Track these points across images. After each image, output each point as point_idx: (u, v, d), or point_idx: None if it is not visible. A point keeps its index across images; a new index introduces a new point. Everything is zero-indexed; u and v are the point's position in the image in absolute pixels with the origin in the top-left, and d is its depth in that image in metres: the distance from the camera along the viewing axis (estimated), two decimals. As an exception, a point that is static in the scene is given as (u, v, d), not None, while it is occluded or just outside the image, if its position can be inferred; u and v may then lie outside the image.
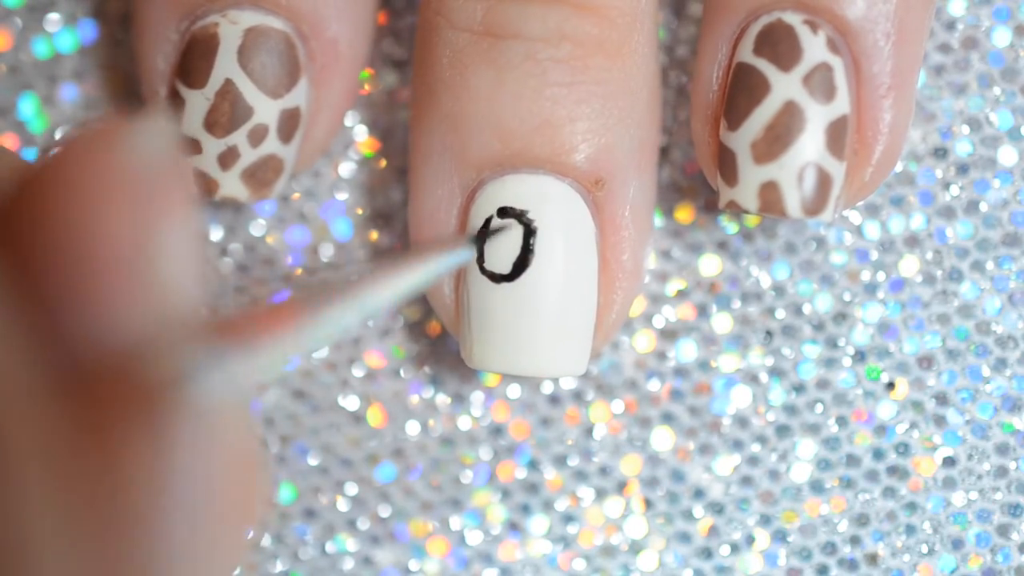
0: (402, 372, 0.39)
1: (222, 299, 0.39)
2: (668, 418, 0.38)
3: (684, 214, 0.38)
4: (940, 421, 0.38)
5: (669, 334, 0.38)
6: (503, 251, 0.35)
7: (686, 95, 0.38)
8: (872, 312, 0.38)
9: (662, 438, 0.38)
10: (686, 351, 0.38)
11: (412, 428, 0.39)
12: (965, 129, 0.38)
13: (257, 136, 0.35)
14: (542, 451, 0.39)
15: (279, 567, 0.39)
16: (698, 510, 0.38)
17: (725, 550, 0.38)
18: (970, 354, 0.38)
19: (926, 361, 0.38)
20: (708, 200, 0.38)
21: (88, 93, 0.39)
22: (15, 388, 0.22)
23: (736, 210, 0.34)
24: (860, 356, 0.38)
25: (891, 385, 0.38)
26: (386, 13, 0.39)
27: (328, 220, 0.39)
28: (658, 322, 0.38)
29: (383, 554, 0.39)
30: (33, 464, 0.21)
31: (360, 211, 0.39)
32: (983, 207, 0.38)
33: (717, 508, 0.38)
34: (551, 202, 0.35)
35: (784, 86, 0.34)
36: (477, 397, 0.39)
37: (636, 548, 0.38)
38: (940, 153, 0.38)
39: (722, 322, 0.38)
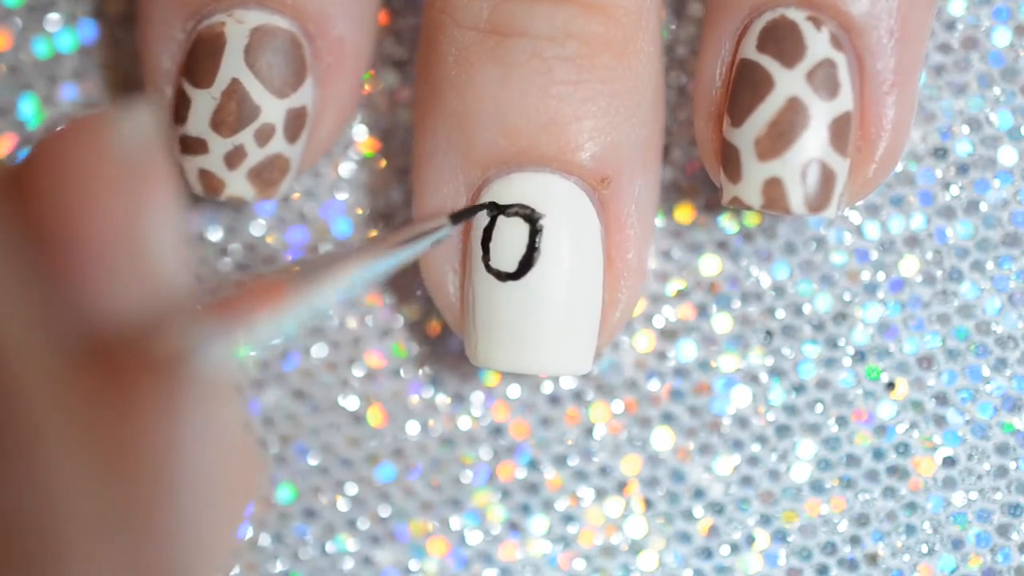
0: (402, 372, 0.39)
1: (221, 295, 0.39)
2: (668, 418, 0.38)
3: (684, 214, 0.38)
4: (940, 421, 0.38)
5: (669, 334, 0.38)
6: (509, 249, 0.35)
7: (687, 95, 0.38)
8: (872, 312, 0.38)
9: (662, 438, 0.38)
10: (686, 351, 0.38)
11: (412, 428, 0.39)
12: (965, 129, 0.38)
13: (264, 135, 0.35)
14: (542, 451, 0.39)
15: (279, 567, 0.39)
16: (698, 510, 0.38)
17: (725, 550, 0.38)
18: (970, 354, 0.38)
19: (926, 361, 0.38)
20: (708, 200, 0.38)
21: (88, 93, 0.39)
22: (34, 359, 0.22)
23: (739, 206, 0.34)
24: (860, 356, 0.38)
25: (891, 385, 0.38)
26: (387, 13, 0.39)
27: (328, 220, 0.39)
28: (658, 322, 0.38)
29: (383, 554, 0.39)
30: (56, 431, 0.22)
31: (360, 211, 0.39)
32: (983, 207, 0.38)
33: (717, 508, 0.38)
34: (557, 200, 0.35)
35: (788, 82, 0.34)
36: (477, 397, 0.39)
37: (636, 548, 0.38)
38: (940, 153, 0.38)
39: (722, 322, 0.38)
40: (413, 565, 0.39)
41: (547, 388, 0.39)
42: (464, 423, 0.39)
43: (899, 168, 0.38)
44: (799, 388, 0.38)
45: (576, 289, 0.35)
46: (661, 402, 0.38)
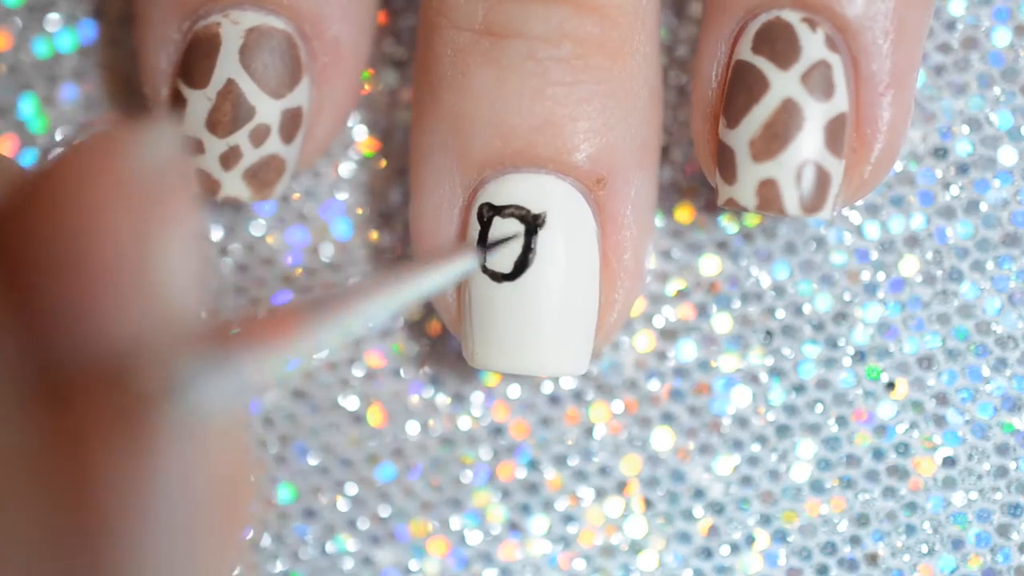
0: (402, 372, 0.39)
1: (222, 299, 0.39)
2: (668, 418, 0.38)
3: (684, 214, 0.38)
4: (940, 421, 0.38)
5: (669, 334, 0.38)
6: (505, 250, 0.35)
7: (686, 95, 0.38)
8: (872, 312, 0.38)
9: (662, 438, 0.38)
10: (686, 351, 0.38)
11: (412, 428, 0.39)
12: (965, 129, 0.38)
13: (259, 136, 0.35)
14: (542, 451, 0.39)
15: (279, 567, 0.39)
16: (698, 510, 0.38)
17: (725, 550, 0.38)
18: (970, 354, 0.38)
19: (926, 361, 0.38)
20: (708, 200, 0.38)
21: (88, 93, 0.39)
22: None
23: (735, 208, 0.34)
24: (860, 356, 0.38)
25: (891, 385, 0.38)
26: (386, 13, 0.39)
27: (328, 220, 0.39)
28: (658, 322, 0.38)
29: (383, 554, 0.39)
30: (6, 464, 0.21)
31: (360, 211, 0.39)
32: (983, 207, 0.38)
33: (717, 508, 0.38)
34: (552, 201, 0.35)
35: (783, 84, 0.34)
36: (477, 397, 0.39)
37: (636, 548, 0.38)
38: (940, 153, 0.38)
39: (722, 322, 0.38)
40: (413, 565, 0.39)
41: (547, 388, 0.39)
42: (464, 423, 0.39)
43: (899, 168, 0.38)
44: (799, 388, 0.38)
45: (572, 290, 0.35)
46: (661, 402, 0.38)
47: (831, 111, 0.34)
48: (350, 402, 0.39)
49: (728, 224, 0.38)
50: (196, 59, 0.36)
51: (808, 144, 0.34)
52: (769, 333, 0.38)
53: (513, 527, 0.39)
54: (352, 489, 0.39)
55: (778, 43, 0.34)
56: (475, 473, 0.39)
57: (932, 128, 0.38)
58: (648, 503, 0.38)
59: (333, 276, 0.39)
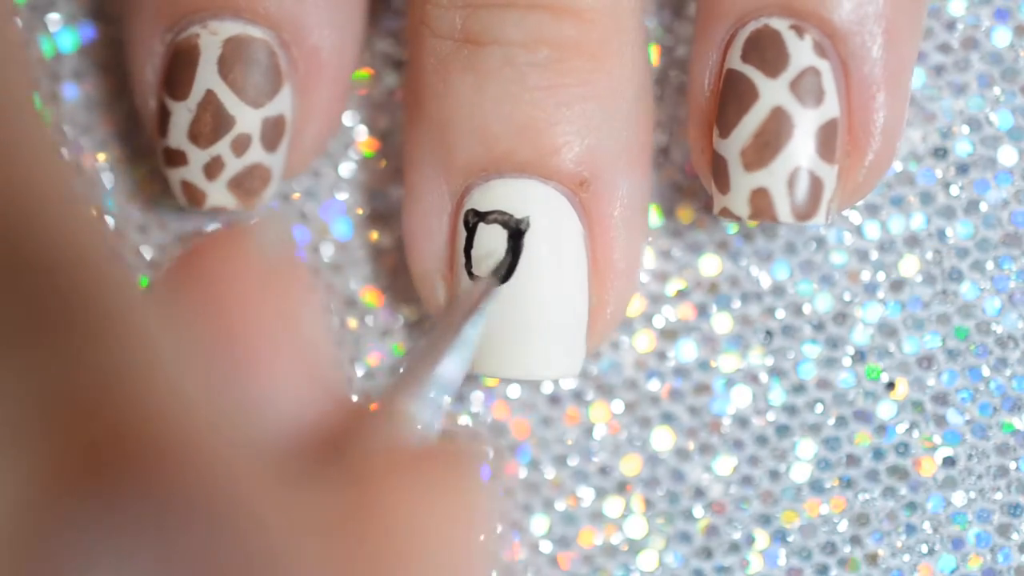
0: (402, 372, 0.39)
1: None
2: (668, 418, 0.38)
3: (684, 214, 0.38)
4: (940, 421, 0.38)
5: (669, 334, 0.38)
6: (490, 255, 0.35)
7: (686, 95, 0.38)
8: (872, 312, 0.38)
9: (662, 438, 0.38)
10: (686, 351, 0.38)
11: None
12: (965, 129, 0.38)
13: (240, 145, 0.36)
14: (542, 451, 0.39)
15: (279, 567, 0.39)
16: (698, 510, 0.38)
17: (725, 550, 0.38)
18: (970, 354, 0.38)
19: (926, 361, 0.38)
20: (708, 200, 0.38)
21: (88, 93, 0.39)
22: (248, 469, 0.21)
23: (729, 217, 0.35)
24: (860, 356, 0.38)
25: (891, 385, 0.38)
26: (386, 13, 0.39)
27: (328, 220, 0.39)
28: (658, 322, 0.38)
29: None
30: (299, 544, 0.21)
31: (360, 211, 0.39)
32: (983, 207, 0.38)
33: (717, 508, 0.38)
34: (536, 205, 0.35)
35: (771, 92, 0.34)
36: (477, 397, 0.39)
37: (636, 548, 0.38)
38: (940, 153, 0.38)
39: (722, 322, 0.38)
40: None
41: (547, 388, 0.39)
42: (464, 423, 0.39)
43: (899, 168, 0.38)
44: (799, 388, 0.38)
45: (560, 293, 0.35)
46: (661, 402, 0.38)
47: (822, 117, 0.34)
48: (350, 402, 0.39)
49: (728, 224, 0.38)
50: (177, 71, 0.36)
51: (799, 151, 0.34)
52: (769, 333, 0.38)
53: (513, 527, 0.39)
54: (352, 489, 0.39)
55: (766, 51, 0.34)
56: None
57: (932, 128, 0.38)
58: (648, 503, 0.38)
59: (333, 276, 0.39)
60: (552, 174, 0.35)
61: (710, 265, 0.38)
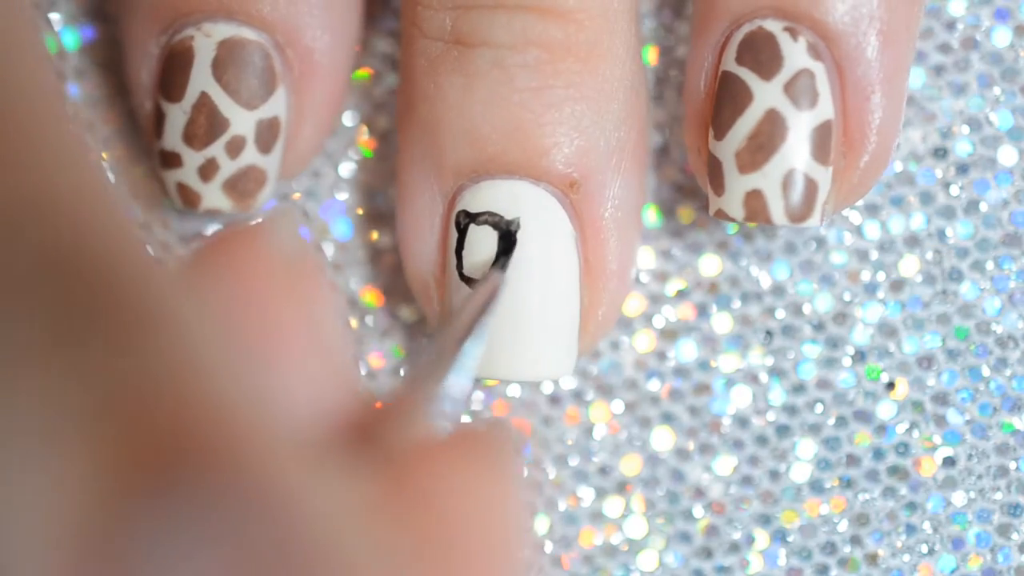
0: (402, 372, 0.39)
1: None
2: (668, 418, 0.38)
3: (684, 214, 0.38)
4: (940, 421, 0.38)
5: (669, 334, 0.38)
6: (479, 256, 0.35)
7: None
8: (872, 312, 0.38)
9: (662, 438, 0.38)
10: (686, 351, 0.38)
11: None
12: (965, 129, 0.38)
13: (235, 148, 0.36)
14: (542, 451, 0.39)
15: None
16: (698, 510, 0.38)
17: (725, 550, 0.38)
18: (970, 354, 0.38)
19: (926, 361, 0.38)
20: (708, 200, 0.38)
21: (89, 92, 0.39)
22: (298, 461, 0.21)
23: (725, 219, 0.35)
24: (860, 356, 0.38)
25: (891, 385, 0.38)
26: (385, 13, 0.39)
27: (328, 220, 0.39)
28: (658, 322, 0.38)
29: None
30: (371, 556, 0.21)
31: (360, 211, 0.39)
32: (983, 207, 0.38)
33: (717, 508, 0.38)
34: (526, 206, 0.35)
35: (765, 94, 0.34)
36: (477, 397, 0.39)
37: (636, 548, 0.38)
38: (940, 153, 0.38)
39: (722, 322, 0.38)
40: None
41: (547, 388, 0.39)
42: (464, 423, 0.39)
43: (899, 168, 0.38)
44: (799, 388, 0.38)
45: (551, 294, 0.35)
46: (661, 402, 0.38)
47: (816, 119, 0.34)
48: (350, 402, 0.39)
49: (728, 224, 0.38)
50: (172, 73, 0.36)
51: (793, 154, 0.34)
52: (769, 333, 0.38)
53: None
54: (352, 489, 0.39)
55: (760, 53, 0.34)
56: (475, 473, 0.39)
57: (932, 128, 0.38)
58: (648, 503, 0.38)
59: (333, 276, 0.39)
60: (542, 175, 0.35)
61: (710, 265, 0.38)
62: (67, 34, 0.39)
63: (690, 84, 0.36)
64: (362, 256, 0.39)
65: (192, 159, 0.36)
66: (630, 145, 0.36)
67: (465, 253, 0.35)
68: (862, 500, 0.38)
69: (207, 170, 0.36)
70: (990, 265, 0.38)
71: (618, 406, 0.38)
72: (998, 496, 0.38)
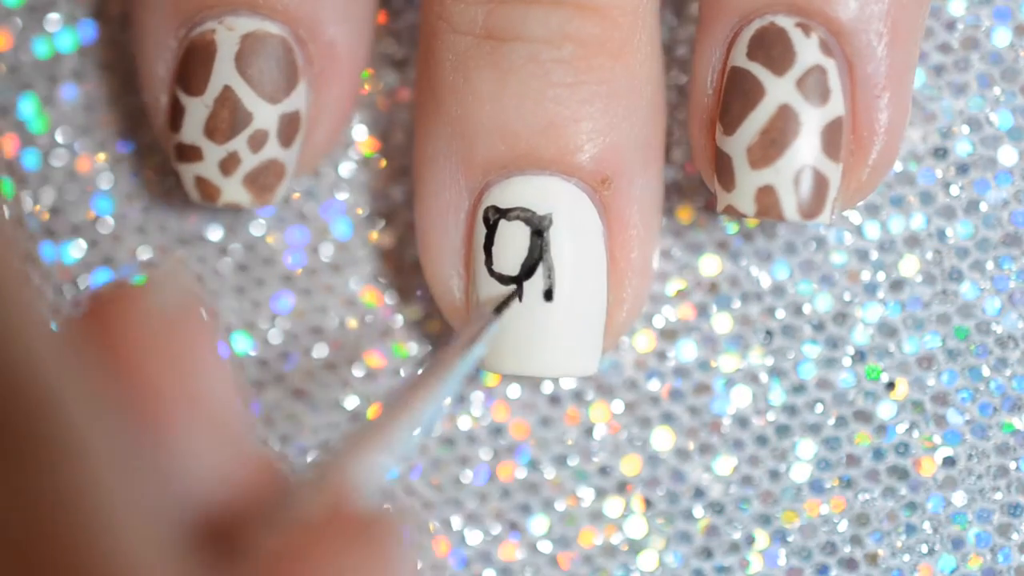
0: (402, 372, 0.39)
1: (221, 299, 0.39)
2: (668, 418, 0.38)
3: (684, 214, 0.38)
4: (940, 421, 0.38)
5: (669, 334, 0.38)
6: (511, 252, 0.35)
7: (687, 95, 0.38)
8: (872, 312, 0.38)
9: (662, 438, 0.38)
10: (686, 351, 0.38)
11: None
12: (965, 129, 0.38)
13: (257, 141, 0.36)
14: (542, 451, 0.39)
15: (279, 567, 0.39)
16: (698, 510, 0.38)
17: (725, 550, 0.38)
18: (970, 354, 0.38)
19: (926, 361, 0.38)
20: (708, 200, 0.38)
21: (88, 93, 0.39)
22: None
23: (734, 215, 0.35)
24: (860, 356, 0.38)
25: (891, 385, 0.38)
26: (386, 13, 0.39)
27: (328, 220, 0.39)
28: (658, 322, 0.38)
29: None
30: None
31: (360, 211, 0.39)
32: (983, 207, 0.38)
33: (717, 508, 0.38)
34: (557, 202, 0.35)
35: (778, 90, 0.34)
36: (477, 397, 0.39)
37: (636, 548, 0.38)
38: (940, 153, 0.38)
39: (722, 322, 0.38)
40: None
41: (547, 388, 0.39)
42: (464, 423, 0.39)
43: (899, 168, 0.38)
44: (799, 388, 0.38)
45: (580, 290, 0.35)
46: (661, 402, 0.38)
47: (827, 116, 0.34)
48: (350, 402, 0.39)
49: (728, 224, 0.38)
50: (193, 66, 0.36)
51: (805, 149, 0.34)
52: (769, 333, 0.38)
53: (513, 527, 0.39)
54: (352, 489, 0.39)
55: (773, 49, 0.34)
56: (475, 473, 0.39)
57: (932, 128, 0.38)
58: (648, 503, 0.38)
59: (333, 276, 0.39)
60: (574, 171, 0.35)
61: (710, 265, 0.38)
62: (66, 34, 0.39)
63: (697, 80, 0.35)
64: (362, 256, 0.39)
65: (213, 153, 0.36)
66: (655, 142, 0.36)
67: (495, 249, 0.35)
68: (862, 500, 0.38)
69: (228, 164, 0.36)
70: (990, 265, 0.38)
71: (618, 406, 0.38)
72: (998, 496, 0.38)
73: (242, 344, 0.39)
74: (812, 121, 0.34)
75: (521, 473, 0.39)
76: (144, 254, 0.39)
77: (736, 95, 0.34)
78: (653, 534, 0.38)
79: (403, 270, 0.39)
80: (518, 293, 0.35)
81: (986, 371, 0.38)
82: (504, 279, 0.35)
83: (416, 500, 0.39)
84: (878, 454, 0.38)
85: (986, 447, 0.38)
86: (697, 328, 0.38)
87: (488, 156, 0.35)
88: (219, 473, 0.23)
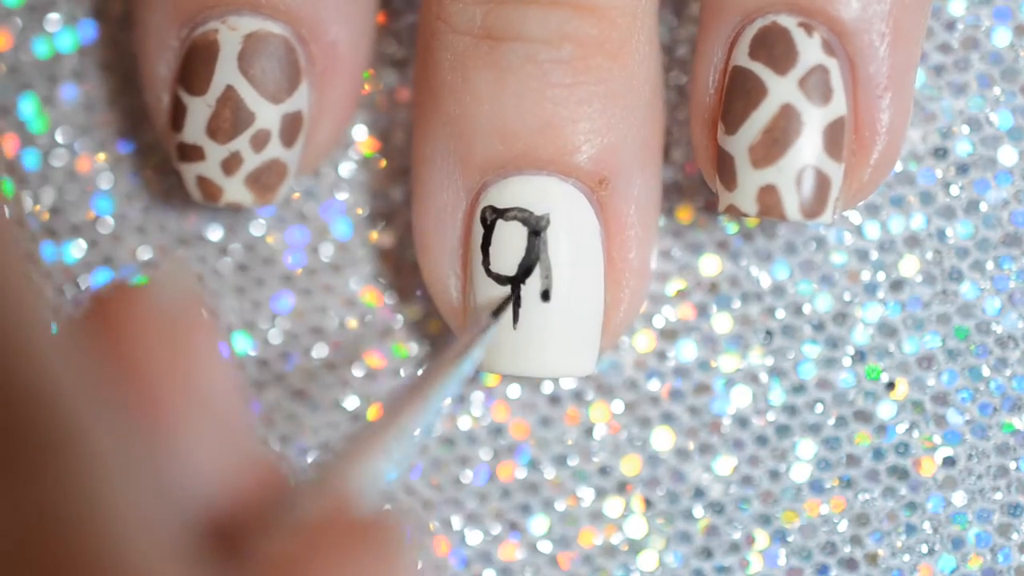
0: (402, 372, 0.39)
1: (221, 299, 0.39)
2: (668, 418, 0.38)
3: (684, 214, 0.38)
4: (940, 421, 0.38)
5: (669, 334, 0.38)
6: (509, 253, 0.35)
7: (686, 95, 0.38)
8: (872, 312, 0.38)
9: (662, 438, 0.38)
10: (686, 351, 0.38)
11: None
12: (965, 129, 0.38)
13: (260, 141, 0.36)
14: (542, 451, 0.39)
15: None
16: (698, 510, 0.38)
17: (725, 550, 0.38)
18: (970, 354, 0.38)
19: (926, 361, 0.38)
20: (708, 200, 0.38)
21: (88, 93, 0.39)
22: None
23: (735, 214, 0.35)
24: (860, 356, 0.38)
25: (891, 385, 0.38)
26: (386, 13, 0.39)
27: (328, 220, 0.39)
28: (658, 322, 0.38)
29: (383, 554, 0.39)
30: None
31: (360, 211, 0.39)
32: (983, 207, 0.38)
33: (717, 508, 0.38)
34: (555, 202, 0.35)
35: (780, 89, 0.34)
36: (477, 397, 0.39)
37: (636, 548, 0.38)
38: (940, 153, 0.38)
39: (722, 322, 0.38)
40: (413, 565, 0.39)
41: (547, 388, 0.39)
42: (464, 423, 0.39)
43: (899, 168, 0.38)
44: (799, 388, 0.38)
45: (577, 291, 0.35)
46: (661, 402, 0.38)
47: (829, 115, 0.34)
48: (350, 402, 0.39)
49: (728, 224, 0.38)
50: (195, 66, 0.36)
51: (807, 149, 0.34)
52: (769, 333, 0.38)
53: (513, 527, 0.39)
54: (352, 489, 0.39)
55: (775, 48, 0.34)
56: (475, 473, 0.39)
57: (932, 128, 0.38)
58: (648, 503, 0.38)
59: (333, 276, 0.39)
60: (572, 171, 0.35)
61: (710, 265, 0.38)
62: (66, 34, 0.39)
63: (698, 79, 0.35)
64: (362, 256, 0.39)
65: (215, 152, 0.36)
66: (653, 143, 0.36)
67: (493, 249, 0.35)
68: (862, 500, 0.38)
69: (231, 163, 0.36)
70: (990, 265, 0.38)
71: (618, 406, 0.38)
72: (998, 496, 0.38)
73: (242, 344, 0.39)
74: (814, 121, 0.34)
75: (521, 473, 0.39)
76: (144, 254, 0.39)
77: (738, 94, 0.34)
78: (653, 534, 0.38)
79: (403, 270, 0.39)
80: (515, 297, 0.35)
81: (986, 371, 0.38)
82: (501, 279, 0.35)
83: (416, 500, 0.39)
84: (878, 454, 0.38)
85: (986, 447, 0.38)
86: (697, 328, 0.38)
87: (486, 156, 0.35)
88: (221, 476, 0.23)
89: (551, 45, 0.34)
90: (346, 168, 0.39)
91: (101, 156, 0.39)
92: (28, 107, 0.39)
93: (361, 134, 0.39)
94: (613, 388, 0.38)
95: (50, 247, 0.39)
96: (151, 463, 0.23)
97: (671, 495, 0.38)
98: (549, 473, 0.39)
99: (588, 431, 0.39)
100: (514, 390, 0.39)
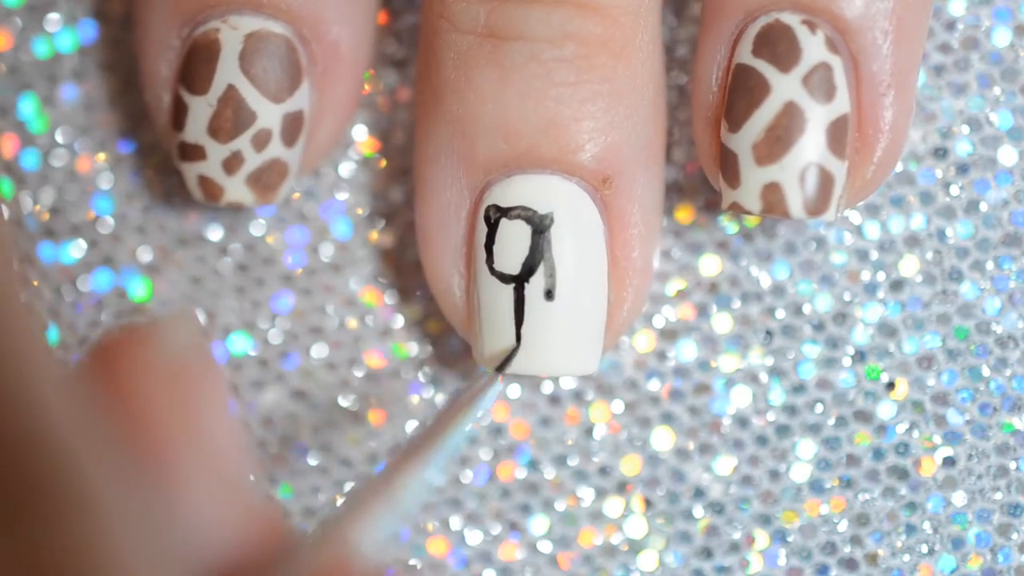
0: (402, 372, 0.39)
1: (221, 299, 0.39)
2: (668, 418, 0.38)
3: (684, 214, 0.38)
4: (940, 421, 0.38)
5: (669, 334, 0.38)
6: (512, 251, 0.35)
7: (687, 95, 0.38)
8: (872, 312, 0.38)
9: (662, 438, 0.38)
10: (686, 351, 0.38)
11: (412, 428, 0.39)
12: (965, 129, 0.38)
13: (261, 141, 0.36)
14: (542, 451, 0.39)
15: (279, 567, 0.39)
16: (698, 510, 0.38)
17: (725, 550, 0.38)
18: (970, 354, 0.38)
19: (926, 361, 0.38)
20: (708, 200, 0.38)
21: (88, 93, 0.39)
22: None
23: (739, 211, 0.34)
24: (860, 356, 0.38)
25: (891, 385, 0.38)
26: (386, 13, 0.39)
27: (328, 220, 0.39)
28: (658, 322, 0.38)
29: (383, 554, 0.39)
30: None
31: (360, 211, 0.39)
32: (983, 207, 0.38)
33: (717, 508, 0.38)
34: (559, 201, 0.35)
35: (784, 87, 0.34)
36: (477, 397, 0.39)
37: (636, 548, 0.38)
38: (940, 153, 0.38)
39: (722, 322, 0.38)
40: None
41: (547, 388, 0.39)
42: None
43: (899, 168, 0.38)
44: (799, 388, 0.38)
45: (581, 289, 0.35)
46: (661, 402, 0.38)
47: (833, 113, 0.34)
48: (350, 402, 0.39)
49: (728, 224, 0.38)
50: (196, 65, 0.36)
51: (811, 146, 0.34)
52: (769, 333, 0.38)
53: (513, 527, 0.39)
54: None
55: (778, 45, 0.34)
56: (475, 473, 0.39)
57: (932, 128, 0.38)
58: (648, 503, 0.38)
59: (333, 276, 0.39)
60: (575, 170, 0.35)
61: (710, 265, 0.38)
62: (66, 34, 0.39)
63: (700, 77, 0.35)
64: (362, 256, 0.39)
65: (217, 152, 0.36)
66: (656, 141, 0.36)
67: (496, 248, 0.35)
68: (862, 500, 0.38)
69: (232, 163, 0.36)
70: (990, 265, 0.38)
71: (618, 406, 0.38)
72: (998, 496, 0.38)
73: (242, 344, 0.39)
74: (818, 118, 0.34)
75: (521, 473, 0.39)
76: (144, 254, 0.39)
77: (741, 92, 0.34)
78: (653, 534, 0.38)
79: (403, 270, 0.39)
80: (517, 341, 0.35)
81: (986, 371, 0.38)
82: (505, 278, 0.35)
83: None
84: (878, 454, 0.38)
85: (986, 447, 0.38)
86: (697, 328, 0.38)
87: (489, 155, 0.35)
88: (222, 526, 0.23)
89: (554, 44, 0.35)
90: (346, 168, 0.39)
91: (101, 156, 0.39)
92: (28, 107, 0.39)
93: (361, 134, 0.39)
94: (613, 388, 0.38)
95: (49, 247, 0.39)
96: (153, 511, 0.22)
97: (671, 495, 0.38)
98: (549, 473, 0.39)
99: (588, 431, 0.39)
100: (514, 390, 0.39)
